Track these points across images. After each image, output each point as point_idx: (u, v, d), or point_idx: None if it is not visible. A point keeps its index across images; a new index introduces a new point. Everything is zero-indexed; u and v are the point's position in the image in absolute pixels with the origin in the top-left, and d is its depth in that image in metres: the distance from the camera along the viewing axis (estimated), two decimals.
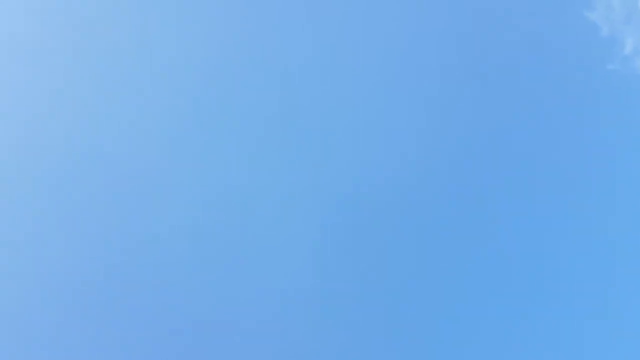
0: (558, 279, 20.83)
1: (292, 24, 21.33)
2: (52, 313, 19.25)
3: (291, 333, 19.61)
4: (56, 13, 20.47)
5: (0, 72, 20.10)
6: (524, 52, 21.74)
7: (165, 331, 19.23)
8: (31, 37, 20.27)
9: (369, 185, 20.91)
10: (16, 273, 19.36)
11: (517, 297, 20.55)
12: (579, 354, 20.15)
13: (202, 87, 20.96)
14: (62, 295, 19.36)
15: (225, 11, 21.21)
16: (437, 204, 21.08)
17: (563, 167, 21.58)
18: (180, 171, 20.33)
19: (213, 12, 21.18)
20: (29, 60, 20.19)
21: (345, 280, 20.16)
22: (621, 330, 20.31)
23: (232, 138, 20.73)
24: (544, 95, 21.73)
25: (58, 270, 19.47)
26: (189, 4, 21.04)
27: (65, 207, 19.86)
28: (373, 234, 20.64)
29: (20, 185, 19.84)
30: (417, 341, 19.92)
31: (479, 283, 20.51)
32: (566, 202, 21.37)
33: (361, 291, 20.15)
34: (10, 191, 19.73)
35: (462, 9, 21.69)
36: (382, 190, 20.92)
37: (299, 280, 19.98)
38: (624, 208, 21.49)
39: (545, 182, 21.45)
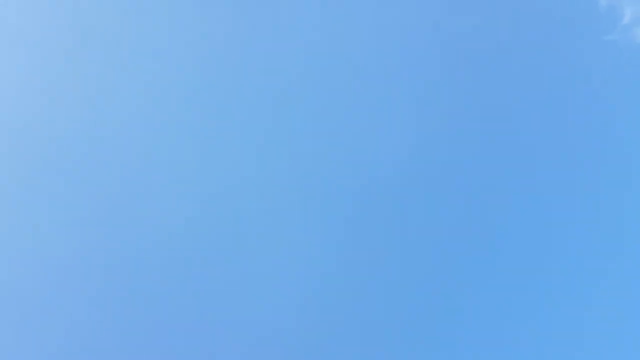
0: (565, 271, 20.63)
1: (288, 23, 21.58)
2: (50, 312, 19.67)
3: (291, 333, 19.94)
4: (55, 11, 20.93)
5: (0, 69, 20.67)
6: (520, 24, 21.73)
7: (164, 332, 19.66)
8: (30, 35, 20.77)
9: (370, 183, 20.98)
10: (15, 271, 19.86)
11: (520, 296, 20.42)
12: (580, 354, 19.97)
13: (200, 84, 21.27)
14: (60, 293, 19.80)
15: (223, 9, 21.58)
16: (440, 196, 21.06)
17: (561, 140, 21.56)
18: (180, 170, 20.77)
19: (210, 10, 21.60)
20: (29, 58, 20.77)
21: (346, 279, 20.40)
22: (621, 330, 20.04)
23: (230, 136, 20.99)
24: (541, 67, 21.72)
25: (57, 268, 19.93)
26: (188, 2, 21.53)
27: (63, 205, 20.35)
28: (374, 232, 20.79)
29: (19, 183, 20.34)
30: (418, 341, 20.04)
31: (479, 281, 20.39)
32: (565, 177, 21.31)
33: (362, 290, 20.38)
34: (10, 189, 20.26)
35: None
36: (384, 189, 21.03)
37: (298, 279, 20.32)
38: (625, 181, 21.32)
39: (542, 157, 21.40)
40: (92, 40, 21.16)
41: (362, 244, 20.67)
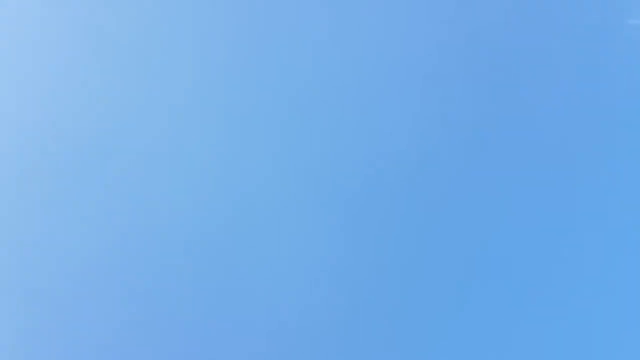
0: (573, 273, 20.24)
1: (289, 23, 21.47)
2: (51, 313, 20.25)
3: (292, 333, 19.92)
4: (56, 10, 21.31)
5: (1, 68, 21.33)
6: (540, 7, 21.11)
7: (168, 332, 19.86)
8: (32, 34, 21.21)
9: (374, 183, 20.75)
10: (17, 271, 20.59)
11: (524, 296, 20.04)
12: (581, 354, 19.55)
13: (200, 85, 21.38)
14: (62, 294, 20.31)
15: (226, 10, 21.57)
16: (448, 197, 20.79)
17: (580, 125, 20.93)
18: (183, 167, 20.89)
19: (213, 11, 21.63)
20: (30, 58, 21.23)
21: (347, 279, 20.24)
22: (622, 330, 19.57)
23: (231, 136, 20.98)
24: (562, 50, 21.07)
25: (58, 268, 20.47)
26: (190, 3, 21.54)
27: (64, 206, 20.83)
28: (380, 232, 20.55)
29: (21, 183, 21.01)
30: (419, 341, 19.76)
31: (481, 280, 20.14)
32: (582, 167, 20.74)
33: (365, 290, 20.27)
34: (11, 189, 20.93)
35: None
36: (388, 189, 20.76)
37: (299, 279, 20.24)
38: None
39: (559, 144, 20.86)
40: (102, 41, 21.18)
41: (366, 244, 20.37)
